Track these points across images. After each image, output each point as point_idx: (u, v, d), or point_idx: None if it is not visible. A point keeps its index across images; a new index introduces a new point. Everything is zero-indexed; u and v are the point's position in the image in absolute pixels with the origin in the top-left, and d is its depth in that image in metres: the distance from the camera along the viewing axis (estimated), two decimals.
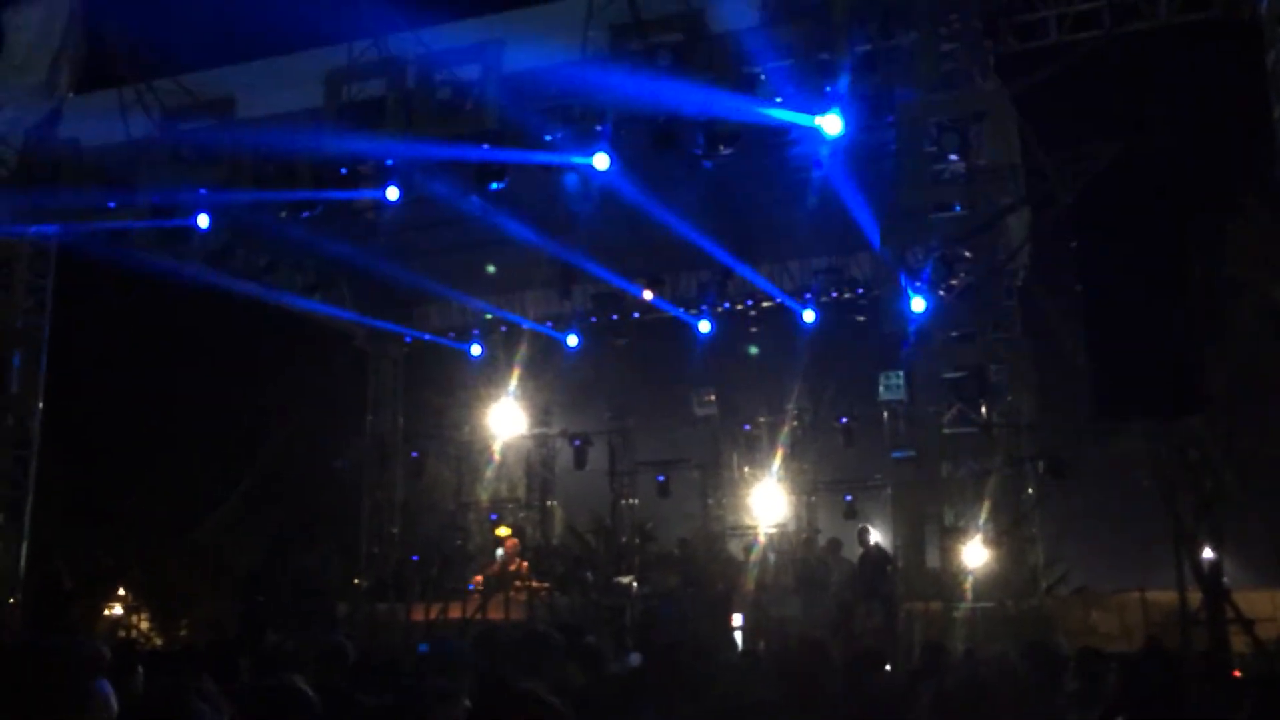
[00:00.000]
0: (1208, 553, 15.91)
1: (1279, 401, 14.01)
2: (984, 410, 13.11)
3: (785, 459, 18.85)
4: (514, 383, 20.13)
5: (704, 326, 18.01)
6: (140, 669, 5.73)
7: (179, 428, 21.09)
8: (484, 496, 19.93)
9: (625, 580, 15.86)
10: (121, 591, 22.55)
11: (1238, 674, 10.23)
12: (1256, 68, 11.32)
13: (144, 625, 21.47)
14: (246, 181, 12.59)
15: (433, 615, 14.18)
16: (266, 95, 12.47)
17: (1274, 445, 14.91)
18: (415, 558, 17.13)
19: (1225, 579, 15.96)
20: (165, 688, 3.93)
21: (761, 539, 17.59)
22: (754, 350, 18.72)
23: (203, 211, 13.06)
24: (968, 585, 12.49)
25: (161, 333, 17.55)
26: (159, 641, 19.24)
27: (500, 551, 16.61)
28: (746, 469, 19.57)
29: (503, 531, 17.74)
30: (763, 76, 11.93)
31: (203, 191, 12.87)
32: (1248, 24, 11.37)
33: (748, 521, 18.89)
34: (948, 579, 12.72)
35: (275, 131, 12.22)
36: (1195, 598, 15.32)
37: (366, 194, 13.06)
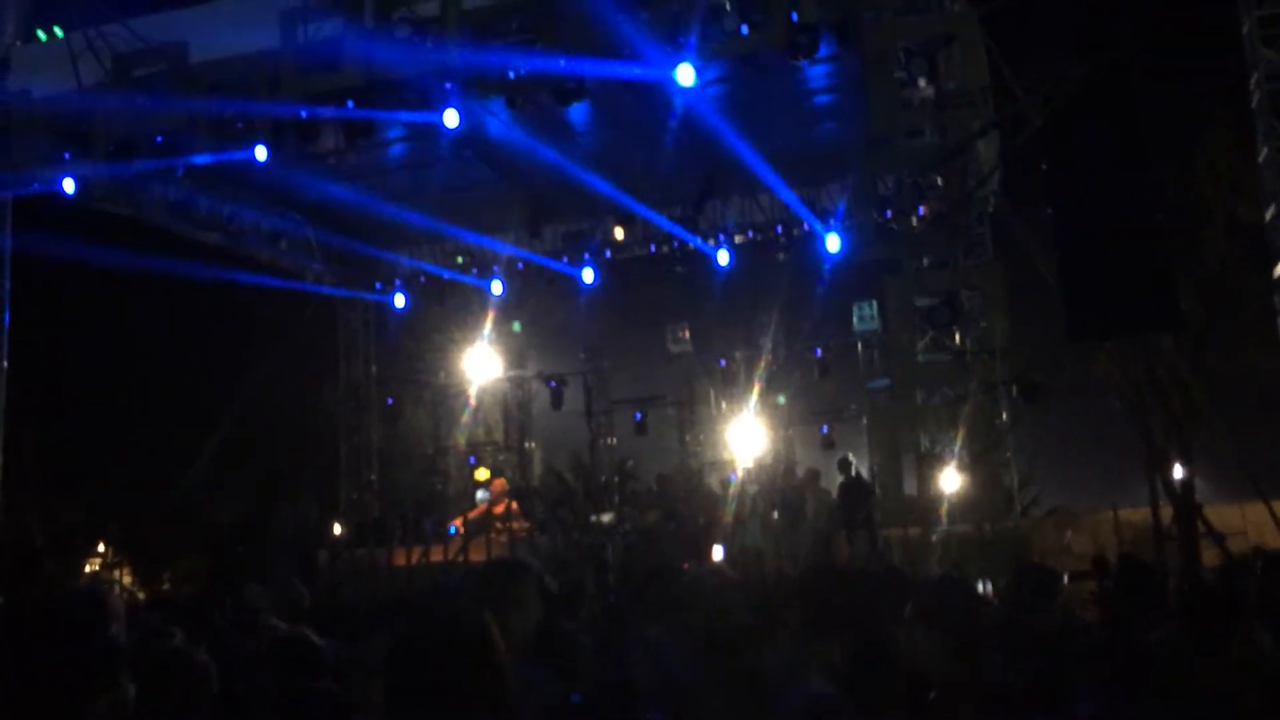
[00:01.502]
0: (1179, 470, 16.14)
1: (1246, 319, 14.13)
2: (958, 337, 13.17)
3: (761, 392, 18.90)
4: (488, 326, 19.98)
5: (676, 263, 17.91)
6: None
7: (151, 381, 20.87)
8: (461, 440, 19.90)
9: (605, 518, 15.93)
10: (101, 548, 22.47)
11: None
12: None
13: (126, 580, 21.44)
14: (203, 128, 12.30)
15: (414, 560, 14.22)
16: (219, 38, 12.11)
17: (1241, 362, 15.06)
18: (396, 504, 17.14)
19: (1196, 495, 16.22)
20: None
21: (739, 472, 17.68)
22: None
23: (158, 160, 12.75)
24: (944, 510, 12.65)
25: (128, 286, 17.25)
26: (141, 596, 19.21)
27: (481, 494, 16.63)
28: (724, 404, 19.61)
29: (482, 475, 17.75)
30: (727, 6, 11.73)
31: (159, 139, 12.54)
32: None
33: (726, 456, 18.97)
34: (925, 504, 12.87)
35: (231, 74, 11.91)
36: (1167, 514, 15.57)
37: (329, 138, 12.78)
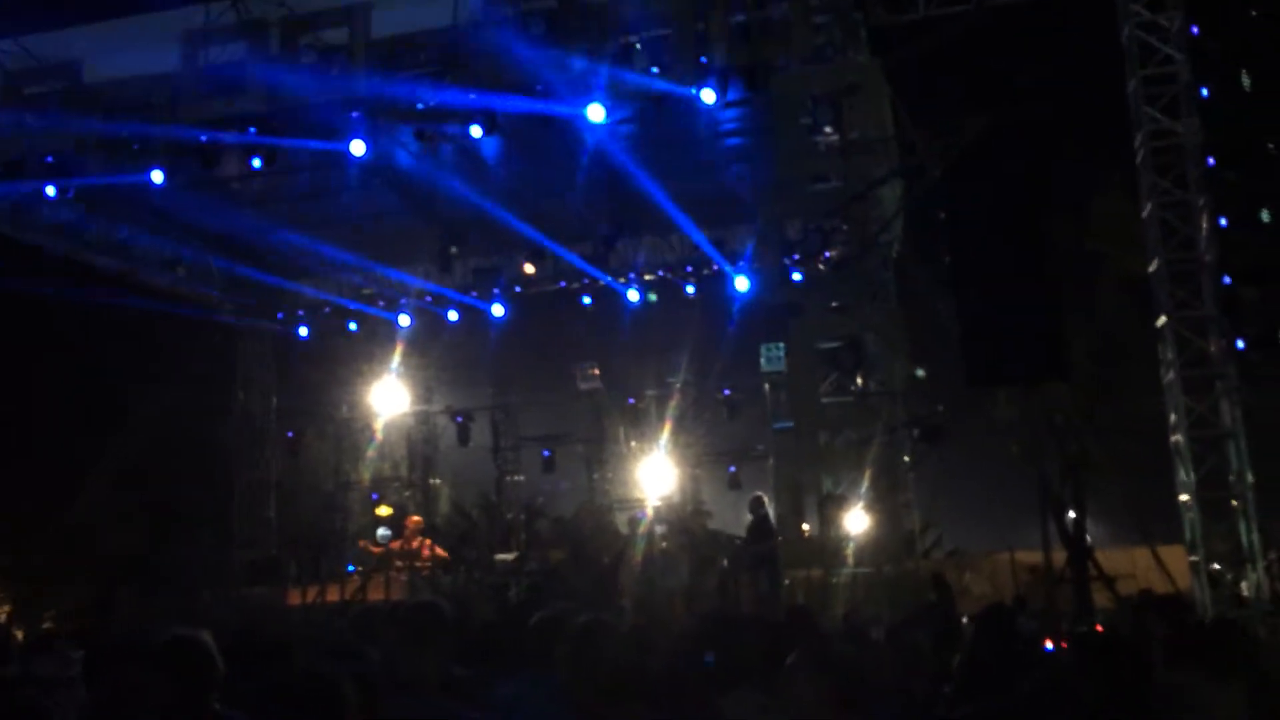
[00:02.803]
0: (1072, 514, 16.54)
1: (1138, 368, 14.57)
2: (861, 380, 13.34)
3: (671, 431, 18.90)
4: (396, 359, 19.66)
5: (586, 299, 17.88)
6: None
7: (38, 408, 20.01)
8: (365, 476, 19.48)
9: (509, 557, 15.69)
10: None
11: (1100, 629, 10.68)
12: (1116, 42, 11.69)
13: (2, 618, 20.40)
14: (97, 149, 11.92)
15: (310, 599, 13.80)
16: (116, 58, 11.79)
17: (1133, 410, 15.53)
18: (292, 540, 16.65)
19: (1088, 539, 16.64)
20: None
21: (649, 512, 17.61)
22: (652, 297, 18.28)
23: (49, 182, 12.32)
24: (849, 551, 12.74)
25: (9, 304, 16.56)
26: (19, 635, 18.28)
27: (383, 531, 16.23)
28: (634, 442, 19.56)
29: (383, 511, 17.37)
30: (638, 45, 11.83)
31: (49, 160, 12.12)
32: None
33: (635, 495, 18.89)
34: (827, 546, 12.95)
35: (128, 96, 11.58)
36: (1061, 557, 15.93)
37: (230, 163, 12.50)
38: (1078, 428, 16.35)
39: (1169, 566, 13.48)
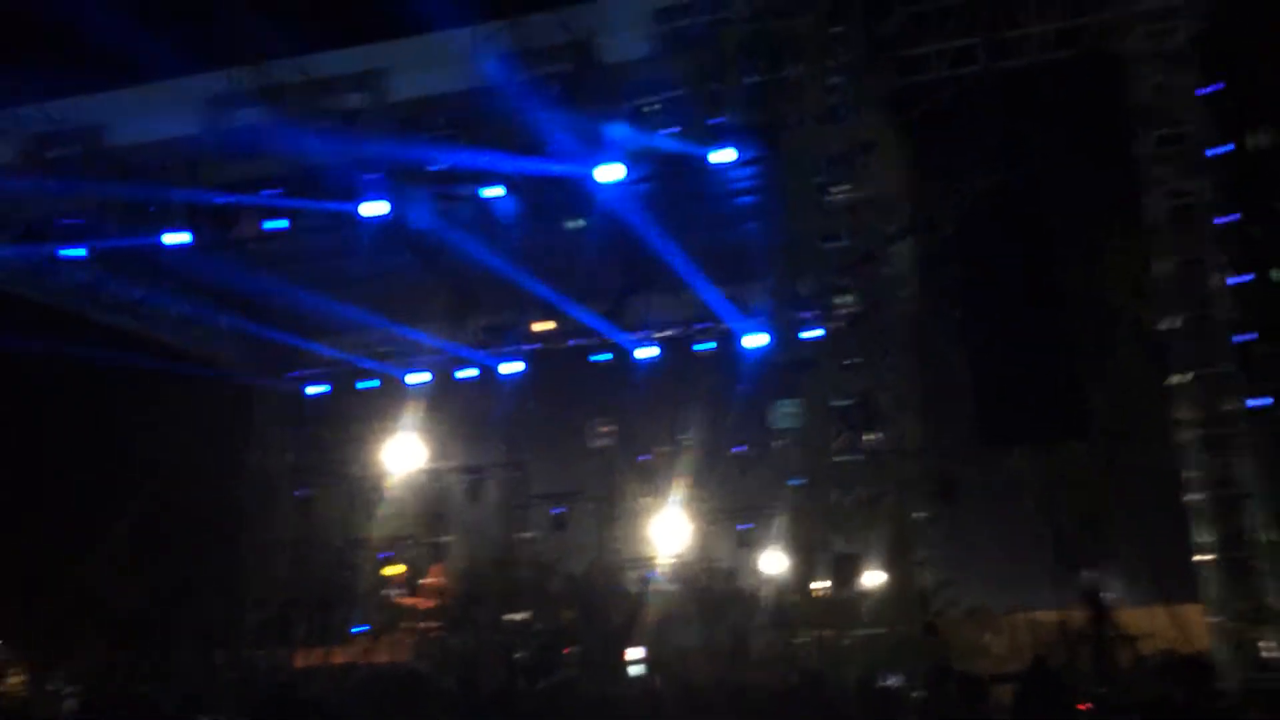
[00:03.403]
0: (1091, 571, 16.35)
1: (1155, 423, 14.48)
2: (873, 437, 13.29)
3: (683, 488, 18.82)
4: (409, 417, 19.68)
5: (598, 357, 17.90)
6: None
7: (52, 469, 20.04)
8: (377, 534, 19.40)
9: (519, 617, 15.56)
10: None
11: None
12: (1125, 100, 11.80)
13: (15, 681, 20.22)
14: (116, 212, 12.07)
15: (316, 660, 13.69)
16: (138, 123, 11.98)
17: (1151, 465, 15.40)
18: (302, 600, 16.55)
19: (1109, 597, 16.42)
20: None
21: (660, 570, 17.49)
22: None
23: (70, 245, 12.46)
24: (862, 610, 12.60)
25: (24, 364, 16.64)
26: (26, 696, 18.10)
27: (395, 590, 16.17)
28: (645, 500, 19.46)
29: (391, 570, 17.28)
30: (655, 107, 11.98)
31: (70, 222, 12.27)
32: (1115, 60, 11.85)
33: (647, 553, 18.76)
34: (841, 605, 12.81)
35: (148, 159, 11.74)
36: (1080, 617, 15.70)
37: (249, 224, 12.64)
38: (1095, 483, 16.21)
39: (1189, 626, 13.28)
